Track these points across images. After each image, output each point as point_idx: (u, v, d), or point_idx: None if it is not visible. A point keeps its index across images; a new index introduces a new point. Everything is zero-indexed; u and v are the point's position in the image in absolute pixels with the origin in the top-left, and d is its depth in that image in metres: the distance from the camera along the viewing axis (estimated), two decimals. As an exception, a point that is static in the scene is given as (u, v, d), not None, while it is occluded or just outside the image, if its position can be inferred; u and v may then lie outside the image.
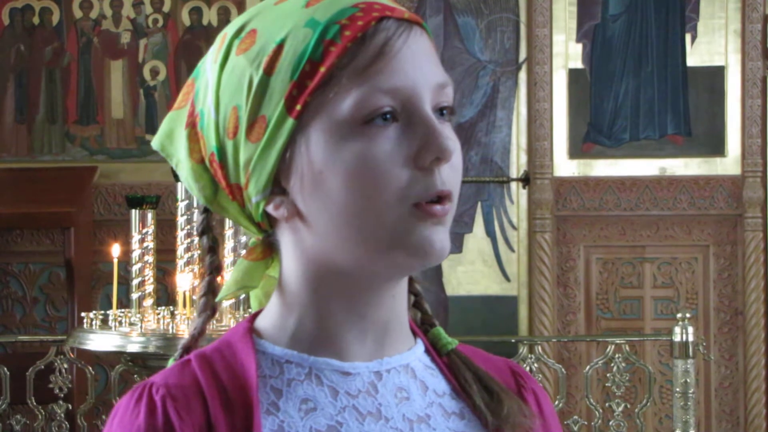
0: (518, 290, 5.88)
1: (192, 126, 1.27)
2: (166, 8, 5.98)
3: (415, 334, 1.31)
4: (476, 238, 5.90)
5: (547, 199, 5.83)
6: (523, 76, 5.88)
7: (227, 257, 3.95)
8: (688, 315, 4.44)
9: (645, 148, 5.86)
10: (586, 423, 4.91)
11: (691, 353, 4.37)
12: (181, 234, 4.09)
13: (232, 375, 1.22)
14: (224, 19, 5.93)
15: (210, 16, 5.97)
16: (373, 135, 1.18)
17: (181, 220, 4.10)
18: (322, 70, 1.18)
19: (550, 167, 5.85)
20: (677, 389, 4.37)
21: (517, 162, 5.88)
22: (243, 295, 2.41)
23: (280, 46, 1.20)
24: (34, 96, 5.99)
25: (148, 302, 4.15)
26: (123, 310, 4.14)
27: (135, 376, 4.20)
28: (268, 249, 1.29)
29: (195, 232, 3.94)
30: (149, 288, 4.16)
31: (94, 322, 4.05)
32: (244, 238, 3.88)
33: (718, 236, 5.85)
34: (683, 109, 5.83)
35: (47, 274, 5.99)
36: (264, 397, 1.22)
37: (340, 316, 1.24)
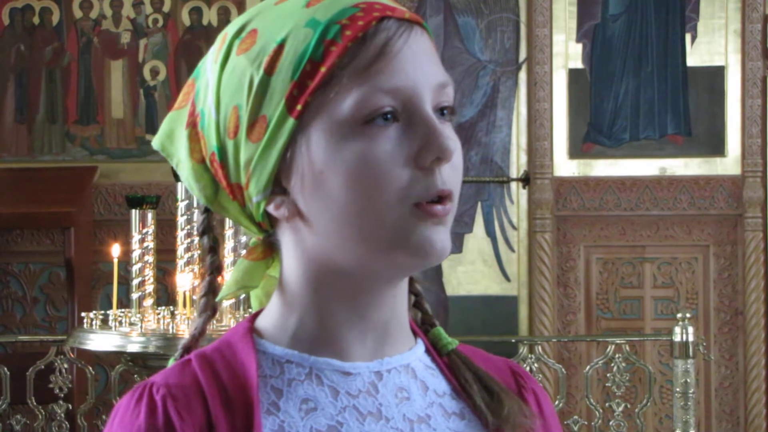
0: (518, 290, 5.88)
1: (193, 126, 1.27)
2: (166, 8, 5.98)
3: (415, 334, 1.31)
4: (476, 238, 5.90)
5: (547, 199, 5.83)
6: (523, 76, 5.88)
7: (227, 257, 3.95)
8: (688, 315, 4.44)
9: (645, 148, 5.86)
10: (586, 423, 4.91)
11: (691, 353, 4.37)
12: (181, 234, 4.09)
13: (232, 375, 1.22)
14: (224, 19, 5.93)
15: (210, 16, 5.97)
16: (374, 135, 1.18)
17: (181, 220, 4.10)
18: (323, 70, 1.18)
19: (550, 167, 5.85)
20: (677, 389, 4.37)
21: (517, 162, 5.88)
22: (243, 295, 2.41)
23: (280, 46, 1.20)
24: (35, 96, 5.99)
25: (149, 302, 4.15)
26: (123, 310, 4.14)
27: (135, 376, 4.20)
28: (269, 249, 1.29)
29: (195, 232, 3.94)
30: (149, 288, 4.16)
31: (94, 322, 4.05)
32: (244, 238, 3.88)
33: (718, 236, 5.85)
34: (683, 109, 5.83)
35: (47, 274, 5.99)
36: (264, 396, 1.22)
37: (341, 316, 1.24)
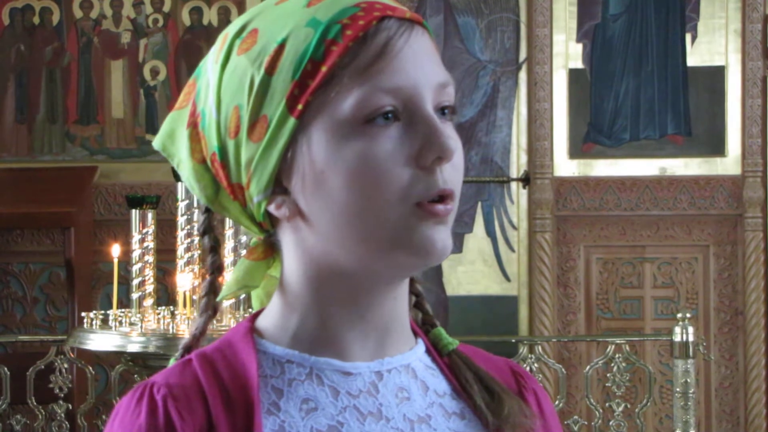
0: (518, 290, 5.88)
1: (193, 126, 1.27)
2: (166, 8, 5.98)
3: (416, 334, 1.31)
4: (476, 238, 5.90)
5: (547, 199, 5.83)
6: (523, 75, 5.88)
7: (228, 257, 3.95)
8: (688, 315, 4.44)
9: (645, 148, 5.86)
10: (586, 423, 4.91)
11: (691, 353, 4.36)
12: (181, 234, 4.09)
13: (233, 375, 1.22)
14: (224, 19, 5.93)
15: (210, 16, 5.97)
16: (375, 134, 1.18)
17: (181, 220, 4.10)
18: (324, 69, 1.18)
19: (551, 167, 5.85)
20: (677, 389, 4.37)
21: (518, 162, 5.88)
22: (243, 295, 2.41)
23: (281, 46, 1.20)
24: (35, 96, 5.99)
25: (149, 302, 4.15)
26: (123, 310, 4.14)
27: (135, 376, 4.20)
28: (270, 249, 1.29)
29: (196, 232, 3.95)
30: (149, 288, 4.16)
31: (94, 322, 4.05)
32: (244, 238, 3.88)
33: (718, 236, 5.85)
34: (683, 109, 5.83)
35: (47, 274, 5.99)
36: (265, 396, 1.22)
37: (342, 316, 1.24)
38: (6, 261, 5.99)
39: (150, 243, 4.16)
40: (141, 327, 3.94)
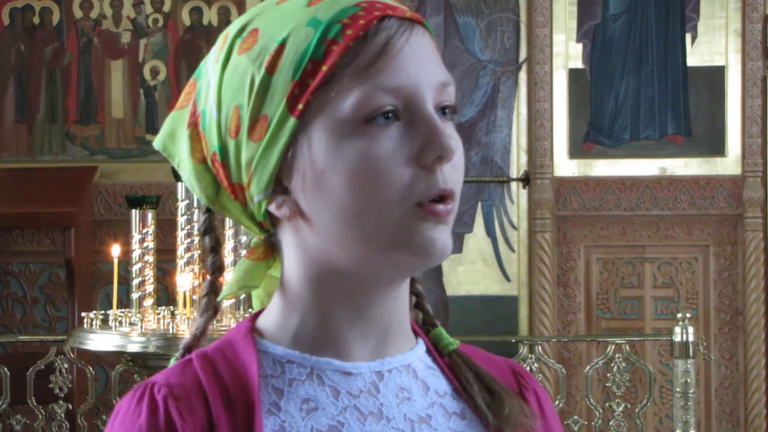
0: (518, 290, 5.88)
1: (194, 126, 1.27)
2: (166, 8, 5.98)
3: (416, 334, 1.31)
4: (476, 238, 5.90)
5: (547, 199, 5.83)
6: (523, 75, 5.88)
7: (228, 257, 3.95)
8: (688, 315, 4.44)
9: (645, 148, 5.86)
10: (586, 423, 4.91)
11: (691, 353, 4.36)
12: (181, 234, 4.09)
13: (233, 375, 1.22)
14: (224, 19, 5.93)
15: (210, 16, 5.97)
16: (375, 134, 1.18)
17: (181, 220, 4.10)
18: (324, 69, 1.18)
19: (551, 167, 5.85)
20: (677, 389, 4.37)
21: (518, 162, 5.88)
22: (243, 295, 2.41)
23: (282, 46, 1.20)
24: (35, 96, 5.99)
25: (149, 302, 4.15)
26: (123, 310, 4.14)
27: (135, 376, 4.20)
28: (270, 249, 1.29)
29: (197, 232, 3.95)
30: (149, 288, 4.16)
31: (94, 322, 4.05)
32: (244, 238, 3.88)
33: (718, 236, 5.85)
34: (683, 109, 5.83)
35: (47, 274, 5.99)
36: (265, 396, 1.22)
37: (342, 316, 1.24)
38: (6, 261, 5.99)
39: (150, 243, 4.16)
40: (141, 327, 3.94)
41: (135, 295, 4.16)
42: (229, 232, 3.95)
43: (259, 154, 1.21)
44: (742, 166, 5.78)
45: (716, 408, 5.82)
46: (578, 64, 5.85)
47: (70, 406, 4.53)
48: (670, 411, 5.19)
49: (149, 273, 4.16)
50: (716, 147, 5.81)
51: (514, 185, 5.88)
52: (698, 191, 5.82)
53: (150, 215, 4.16)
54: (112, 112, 5.99)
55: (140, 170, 5.93)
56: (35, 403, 4.51)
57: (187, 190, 4.04)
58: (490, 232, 5.90)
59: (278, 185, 1.22)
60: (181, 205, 4.09)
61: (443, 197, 1.19)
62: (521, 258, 5.88)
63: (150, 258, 4.16)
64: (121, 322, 4.01)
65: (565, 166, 5.87)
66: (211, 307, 1.30)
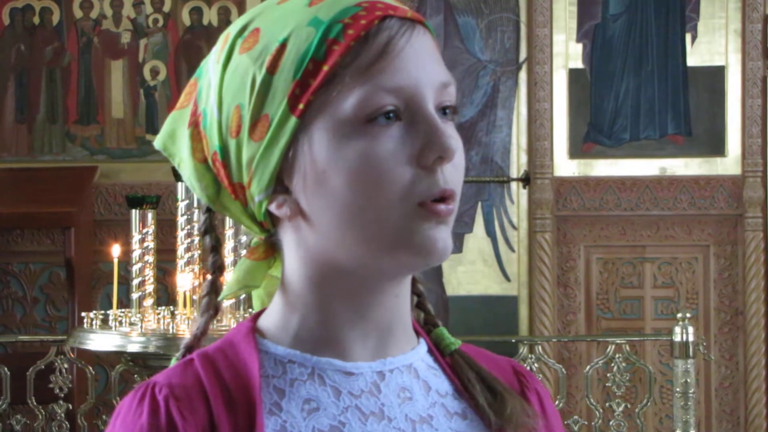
0: (518, 290, 5.88)
1: (195, 125, 1.27)
2: (166, 8, 5.98)
3: (418, 334, 1.31)
4: (476, 238, 5.90)
5: (547, 199, 5.83)
6: (523, 75, 5.88)
7: (228, 257, 3.95)
8: (688, 315, 4.44)
9: (645, 148, 5.86)
10: (586, 423, 4.91)
11: (691, 353, 4.36)
12: (181, 234, 4.09)
13: (234, 374, 1.22)
14: (224, 19, 5.93)
15: (210, 16, 5.97)
16: (376, 134, 1.18)
17: (181, 219, 4.10)
18: (325, 68, 1.18)
19: (551, 167, 5.85)
20: (677, 389, 4.37)
21: (518, 162, 5.88)
22: (243, 295, 2.41)
23: (283, 45, 1.20)
24: (35, 96, 5.99)
25: (149, 302, 4.15)
26: (123, 310, 4.14)
27: (135, 376, 4.20)
28: (271, 249, 1.29)
29: (197, 232, 3.94)
30: (149, 288, 4.16)
31: (94, 322, 4.05)
32: (244, 238, 3.88)
33: (718, 236, 5.85)
34: (683, 109, 5.83)
35: (47, 273, 5.99)
36: (267, 397, 1.22)
37: (343, 316, 1.24)
38: (6, 261, 5.99)
39: (150, 243, 4.16)
40: (141, 327, 3.94)
41: (135, 295, 4.16)
42: (229, 232, 3.95)
43: (259, 153, 1.21)
44: (742, 166, 5.78)
45: (716, 408, 5.82)
46: (578, 64, 5.86)
47: (70, 406, 4.53)
48: (670, 411, 5.19)
49: (149, 273, 4.16)
50: (716, 147, 5.81)
51: (514, 185, 5.88)
52: (698, 191, 5.82)
53: (150, 215, 4.16)
54: (112, 112, 5.99)
55: (140, 170, 5.93)
56: (35, 403, 4.51)
57: (187, 190, 4.04)
58: (490, 232, 5.91)
59: (279, 185, 1.22)
60: (181, 205, 4.09)
61: (444, 197, 1.19)
62: (521, 258, 5.88)
63: (150, 258, 4.16)
64: (121, 322, 4.01)
65: (565, 166, 5.87)
66: (211, 307, 1.29)
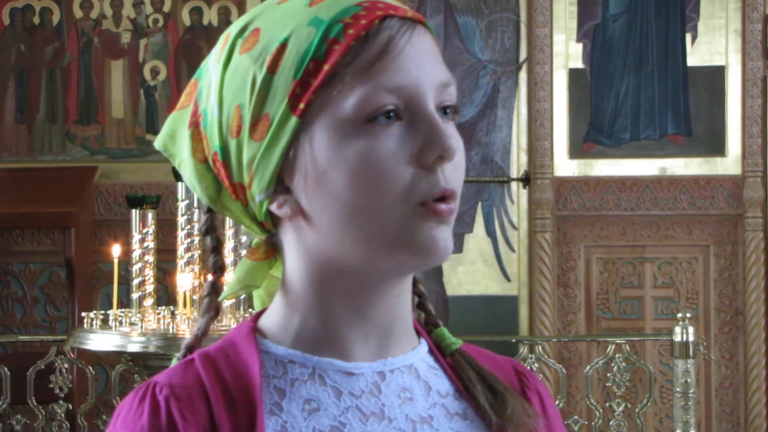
0: (518, 290, 5.88)
1: (195, 126, 1.27)
2: (166, 8, 5.98)
3: (419, 334, 1.31)
4: (477, 238, 5.90)
5: (547, 199, 5.83)
6: (523, 75, 5.88)
7: (228, 257, 3.95)
8: (688, 315, 4.44)
9: (645, 147, 5.86)
10: (586, 423, 4.91)
11: (691, 353, 4.36)
12: (181, 234, 4.09)
13: (235, 374, 1.22)
14: (224, 19, 5.92)
15: (210, 16, 5.97)
16: (377, 133, 1.18)
17: (181, 219, 4.10)
18: (326, 68, 1.18)
19: (551, 167, 5.85)
20: (678, 389, 4.37)
21: (518, 162, 5.88)
22: (243, 295, 2.41)
23: (283, 45, 1.20)
24: (35, 96, 5.99)
25: (149, 302, 4.15)
26: (123, 309, 4.14)
27: (135, 376, 4.20)
28: (272, 249, 1.29)
29: (198, 232, 3.95)
30: (150, 288, 4.16)
31: (94, 322, 4.04)
32: (244, 238, 3.88)
33: (718, 236, 5.85)
34: (683, 109, 5.83)
35: (47, 273, 5.99)
36: (267, 397, 1.22)
37: (344, 316, 1.24)
38: (6, 261, 5.99)
39: (150, 243, 4.15)
40: (141, 327, 3.94)
41: (135, 295, 4.16)
42: (229, 232, 3.95)
43: (260, 153, 1.21)
44: (742, 166, 5.78)
45: (716, 408, 5.82)
46: (578, 64, 5.85)
47: (70, 406, 4.53)
48: (670, 411, 5.19)
49: (149, 273, 4.16)
50: (716, 147, 5.81)
51: (514, 185, 5.88)
52: (698, 191, 5.82)
53: (150, 215, 4.16)
54: (113, 112, 5.99)
55: (140, 170, 5.93)
56: (35, 403, 4.50)
57: (187, 190, 4.04)
58: (490, 232, 5.91)
59: (280, 185, 1.22)
60: (181, 205, 4.09)
61: (445, 197, 1.19)
62: (521, 258, 5.88)
63: (150, 258, 4.16)
64: (121, 322, 4.01)
65: (565, 166, 5.87)
66: (212, 308, 1.29)
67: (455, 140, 1.20)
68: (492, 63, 5.89)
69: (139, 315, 4.04)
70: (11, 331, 5.95)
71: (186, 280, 4.07)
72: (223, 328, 3.81)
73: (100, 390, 5.14)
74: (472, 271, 5.89)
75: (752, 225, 5.78)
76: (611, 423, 4.54)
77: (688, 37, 5.82)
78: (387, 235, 1.19)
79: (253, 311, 1.32)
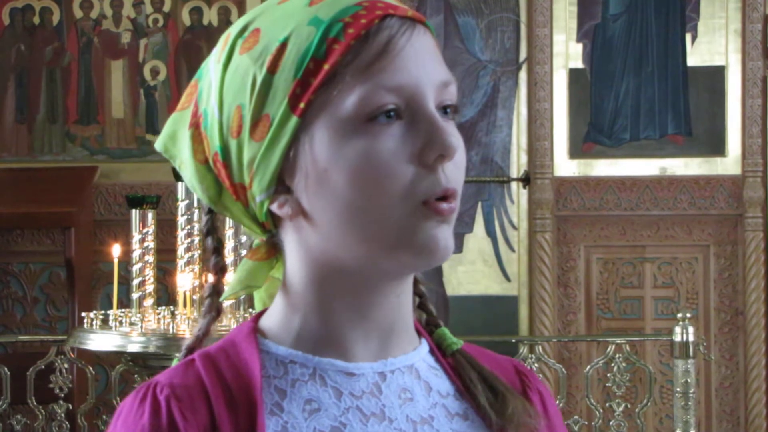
0: (519, 290, 5.88)
1: (195, 126, 1.26)
2: (166, 8, 5.98)
3: (419, 334, 1.31)
4: (477, 238, 5.90)
5: (547, 199, 5.83)
6: (523, 75, 5.88)
7: (228, 257, 3.95)
8: (688, 315, 4.44)
9: (645, 147, 5.86)
10: (586, 423, 4.91)
11: (691, 353, 4.36)
12: (181, 234, 4.09)
13: (236, 375, 1.22)
14: (224, 19, 5.92)
15: (210, 16, 5.97)
16: (377, 132, 1.18)
17: (181, 219, 4.09)
18: (326, 67, 1.18)
19: (551, 167, 5.85)
20: (678, 389, 4.37)
21: (518, 162, 5.88)
22: (243, 296, 2.41)
23: (283, 45, 1.20)
24: (35, 96, 5.99)
25: (149, 302, 4.14)
26: (123, 310, 4.14)
27: (135, 376, 4.20)
28: (273, 249, 1.28)
29: (199, 232, 3.95)
30: (150, 288, 4.16)
31: (94, 322, 4.04)
32: (244, 238, 3.88)
33: (718, 236, 5.85)
34: (683, 109, 5.83)
35: (47, 273, 5.99)
36: (268, 397, 1.22)
37: (345, 316, 1.24)
38: (6, 261, 5.99)
39: (150, 243, 4.15)
40: (141, 327, 3.94)
41: (135, 295, 4.15)
42: (229, 233, 3.95)
43: (260, 153, 1.21)
44: (742, 166, 5.78)
45: (716, 408, 5.82)
46: (578, 64, 5.85)
47: (70, 406, 4.53)
48: (670, 411, 5.19)
49: (149, 273, 4.16)
50: (716, 147, 5.81)
51: (514, 185, 5.88)
52: (698, 191, 5.82)
53: (150, 215, 4.16)
54: (112, 112, 5.99)
55: (140, 170, 5.93)
56: (35, 403, 4.50)
57: (187, 190, 4.03)
58: (490, 232, 5.90)
59: (280, 185, 1.22)
60: (182, 205, 4.09)
61: (446, 196, 1.19)
62: (521, 258, 5.88)
63: (150, 258, 4.16)
64: (121, 322, 4.01)
65: (565, 166, 5.87)
66: (213, 309, 1.29)
67: (456, 139, 1.20)
68: (492, 63, 5.89)
69: (139, 315, 4.04)
70: (11, 331, 5.95)
71: (186, 280, 4.06)
72: (224, 329, 3.81)
73: (100, 390, 5.14)
74: (472, 271, 5.89)
75: (752, 225, 5.77)
76: (611, 423, 4.54)
77: (688, 37, 5.82)
78: (388, 235, 1.19)
79: (254, 311, 1.32)
